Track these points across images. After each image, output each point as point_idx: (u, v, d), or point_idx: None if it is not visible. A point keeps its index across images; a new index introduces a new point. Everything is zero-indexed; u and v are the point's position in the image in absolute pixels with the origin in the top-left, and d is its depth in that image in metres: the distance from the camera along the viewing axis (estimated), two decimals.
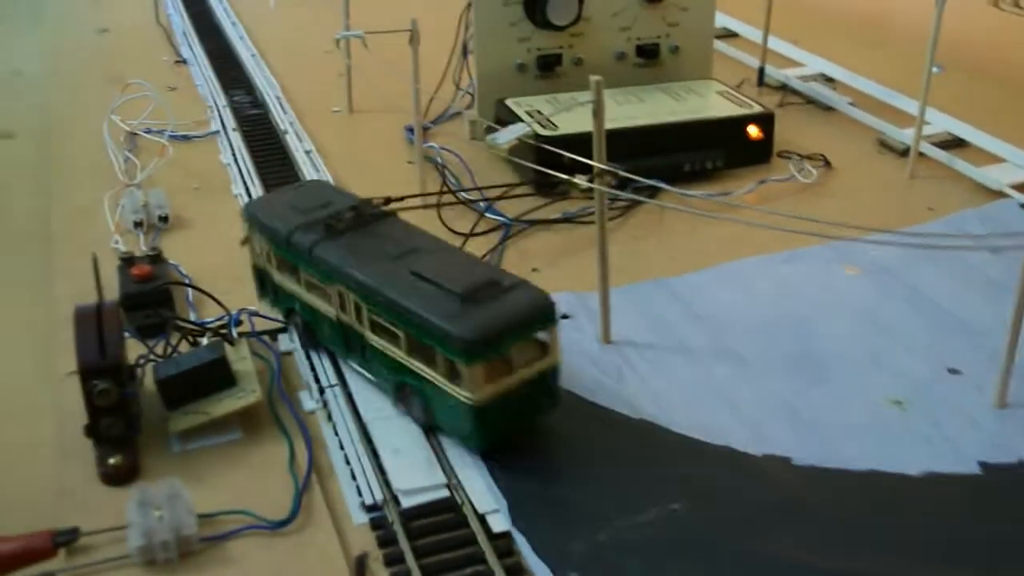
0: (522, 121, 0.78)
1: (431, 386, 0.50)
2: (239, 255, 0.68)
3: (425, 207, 0.73)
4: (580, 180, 0.49)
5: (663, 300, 0.63)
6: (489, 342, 0.47)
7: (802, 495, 0.48)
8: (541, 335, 0.50)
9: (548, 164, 0.59)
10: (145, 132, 0.84)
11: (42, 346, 0.61)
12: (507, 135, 0.49)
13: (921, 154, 0.81)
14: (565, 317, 0.61)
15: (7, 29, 1.25)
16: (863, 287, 0.65)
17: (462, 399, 0.48)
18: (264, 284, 0.59)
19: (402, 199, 0.58)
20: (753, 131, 0.81)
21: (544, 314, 0.50)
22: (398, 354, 0.51)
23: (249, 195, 0.76)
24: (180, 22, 1.18)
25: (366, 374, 0.54)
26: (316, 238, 0.55)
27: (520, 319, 0.49)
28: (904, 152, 0.83)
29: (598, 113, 0.51)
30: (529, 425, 0.51)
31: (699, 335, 0.60)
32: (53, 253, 0.70)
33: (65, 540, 0.45)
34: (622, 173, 0.50)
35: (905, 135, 0.84)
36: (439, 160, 0.80)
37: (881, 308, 0.63)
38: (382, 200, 0.57)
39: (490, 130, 0.68)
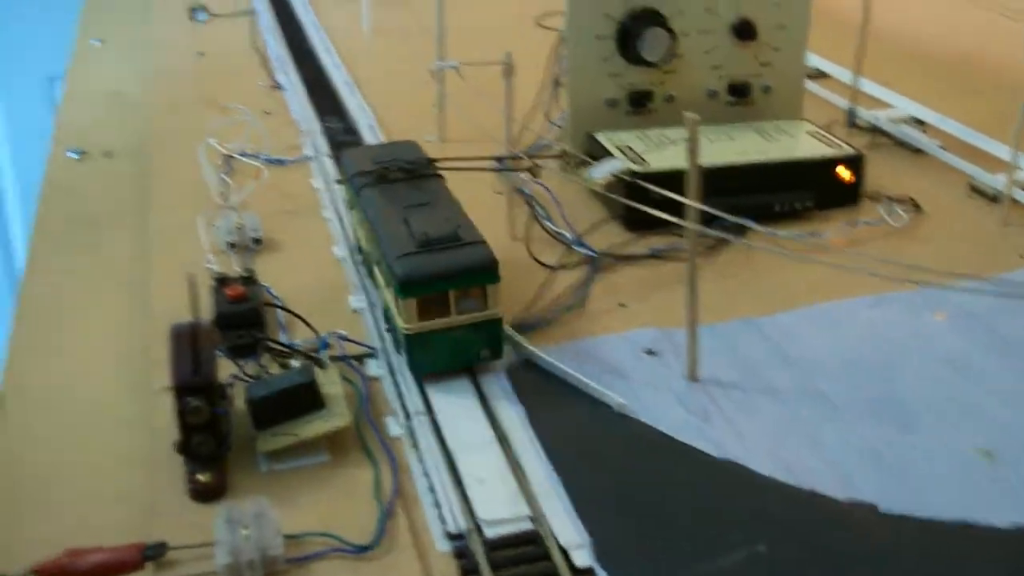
0: (612, 156, 0.79)
1: (393, 316, 0.59)
2: (329, 278, 0.69)
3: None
4: (674, 219, 0.49)
5: (750, 340, 0.63)
6: (422, 282, 0.56)
7: (888, 543, 0.48)
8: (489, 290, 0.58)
9: (638, 200, 0.59)
10: (241, 155, 0.85)
11: (136, 361, 0.62)
12: (602, 170, 0.49)
13: (1013, 200, 0.80)
14: (651, 353, 0.61)
15: (110, 51, 1.28)
16: (952, 333, 0.64)
17: (400, 328, 0.57)
18: None
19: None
20: (843, 173, 0.81)
21: (483, 271, 0.57)
22: (380, 284, 0.62)
23: (340, 219, 0.77)
24: (276, 47, 1.21)
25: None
26: (367, 182, 0.65)
27: (457, 270, 0.57)
28: (995, 198, 0.82)
29: (693, 151, 0.51)
30: (467, 367, 0.59)
31: (786, 376, 0.60)
32: (150, 271, 0.72)
33: (153, 554, 0.46)
34: (716, 213, 0.50)
35: (997, 180, 0.83)
36: (527, 191, 0.80)
37: (970, 356, 0.62)
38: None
39: (581, 164, 0.69)
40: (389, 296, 0.60)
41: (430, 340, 0.57)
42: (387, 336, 0.62)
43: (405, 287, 0.56)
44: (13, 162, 2.24)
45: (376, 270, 0.64)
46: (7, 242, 2.26)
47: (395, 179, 0.65)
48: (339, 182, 0.72)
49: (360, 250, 0.70)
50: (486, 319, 0.58)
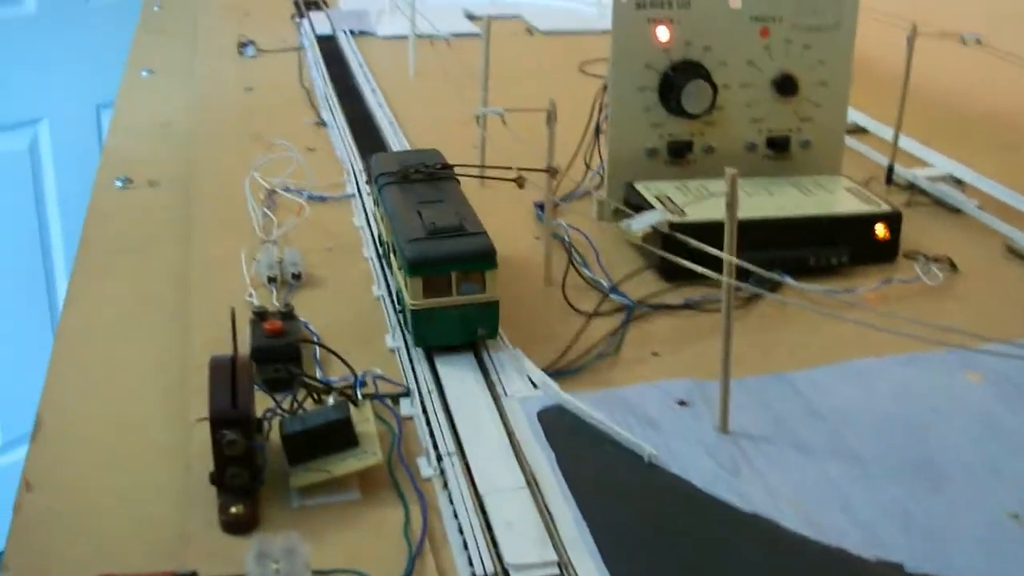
0: (650, 205, 0.80)
1: (402, 295, 0.67)
2: (367, 316, 0.70)
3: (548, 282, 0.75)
4: (709, 272, 0.49)
5: (782, 394, 0.63)
6: (428, 264, 0.64)
7: None
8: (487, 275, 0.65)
9: (675, 250, 0.59)
10: (284, 190, 0.87)
11: (174, 390, 0.63)
12: (641, 222, 0.50)
13: None
14: (683, 404, 0.61)
15: (161, 82, 1.31)
16: (985, 395, 0.64)
17: (408, 304, 0.65)
18: None
19: None
20: (880, 230, 0.81)
21: (482, 258, 0.65)
22: (394, 269, 0.70)
23: (380, 258, 0.78)
24: (322, 85, 1.22)
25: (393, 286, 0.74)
26: (390, 180, 0.73)
27: (459, 255, 0.65)
28: None
29: (732, 207, 0.52)
30: (466, 343, 0.67)
31: (817, 432, 0.60)
32: (190, 301, 0.73)
33: None
34: (753, 269, 0.50)
35: None
36: (566, 238, 0.81)
37: (1002, 418, 0.62)
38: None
39: (618, 212, 0.70)
40: (400, 278, 0.68)
41: (432, 316, 0.65)
42: (421, 376, 0.63)
43: (413, 267, 0.64)
44: (58, 189, 2.27)
45: (392, 257, 0.71)
46: (50, 267, 2.29)
47: (415, 179, 0.73)
48: (367, 182, 0.81)
49: (381, 242, 0.79)
50: (484, 301, 0.65)
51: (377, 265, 0.78)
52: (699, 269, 0.50)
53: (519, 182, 0.74)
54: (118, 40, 1.56)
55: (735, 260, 0.49)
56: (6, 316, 2.14)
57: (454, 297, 0.65)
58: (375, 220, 0.81)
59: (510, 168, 0.73)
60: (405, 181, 0.73)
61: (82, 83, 2.22)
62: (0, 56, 2.13)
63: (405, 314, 0.67)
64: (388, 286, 0.75)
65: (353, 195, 0.91)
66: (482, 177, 0.80)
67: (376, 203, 0.76)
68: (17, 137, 2.22)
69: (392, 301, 0.73)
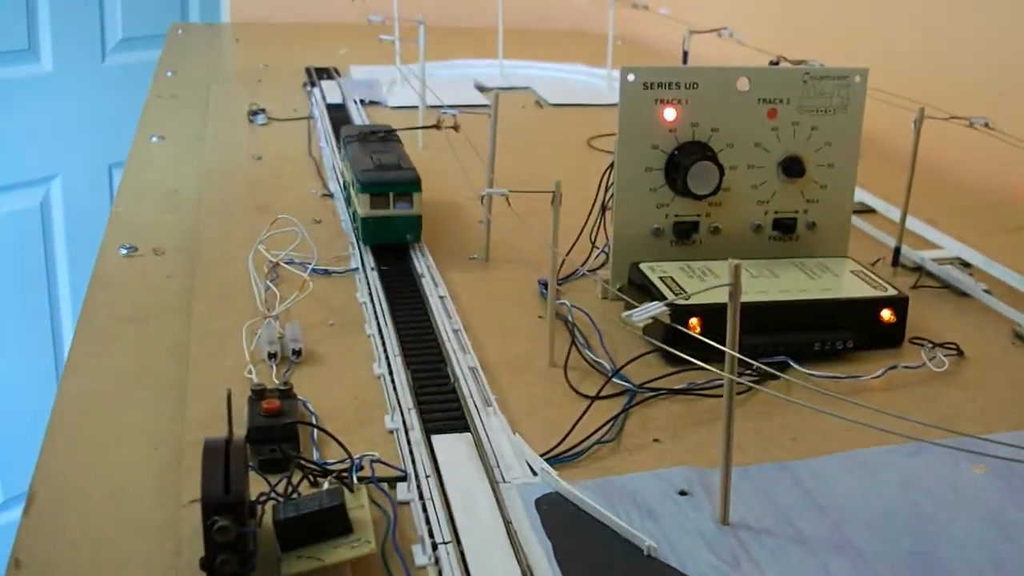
0: (655, 286, 0.79)
1: (356, 211, 0.94)
2: (366, 396, 0.70)
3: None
4: (713, 369, 0.49)
5: (783, 484, 0.62)
6: (373, 185, 0.91)
7: None
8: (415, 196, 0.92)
9: (679, 334, 0.59)
10: (287, 263, 0.86)
11: (169, 467, 0.63)
12: (642, 313, 0.49)
13: None
14: (683, 494, 0.60)
15: (169, 148, 1.31)
16: (991, 487, 0.64)
17: (359, 215, 0.92)
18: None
19: None
20: (886, 314, 0.80)
21: (410, 183, 0.92)
22: (352, 201, 0.96)
23: (381, 335, 0.78)
24: (330, 155, 1.23)
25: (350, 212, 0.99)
26: (351, 139, 1.01)
27: (394, 180, 0.92)
28: None
29: (734, 296, 0.52)
30: (399, 243, 0.94)
31: (818, 525, 0.59)
32: (189, 376, 0.72)
33: None
34: (757, 364, 0.50)
35: None
36: (570, 318, 0.81)
37: (1008, 511, 0.61)
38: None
39: (622, 293, 0.69)
40: (356, 200, 0.93)
41: (376, 223, 0.92)
42: (419, 459, 0.62)
43: (364, 187, 0.91)
44: (68, 248, 2.28)
45: (351, 192, 0.96)
46: (57, 326, 2.29)
47: (369, 139, 1.01)
48: (339, 144, 1.10)
49: (344, 186, 1.03)
50: (412, 214, 0.93)
51: (379, 342, 0.77)
52: (699, 363, 0.49)
53: (439, 125, 0.98)
54: (132, 101, 1.58)
55: (737, 355, 0.49)
56: (15, 374, 2.14)
57: (391, 210, 0.92)
58: (340, 174, 1.09)
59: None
60: (362, 139, 1.01)
61: (95, 142, 2.24)
62: (16, 113, 2.15)
63: (358, 223, 0.93)
64: (353, 219, 0.98)
65: (357, 269, 0.90)
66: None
67: (342, 158, 1.03)
68: (30, 194, 2.23)
69: (352, 222, 0.98)
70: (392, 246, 0.94)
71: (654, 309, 0.50)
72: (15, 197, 2.20)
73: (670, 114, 0.83)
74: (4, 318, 2.17)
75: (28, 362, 2.17)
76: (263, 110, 1.41)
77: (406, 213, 0.92)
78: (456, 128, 0.95)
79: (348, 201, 1.00)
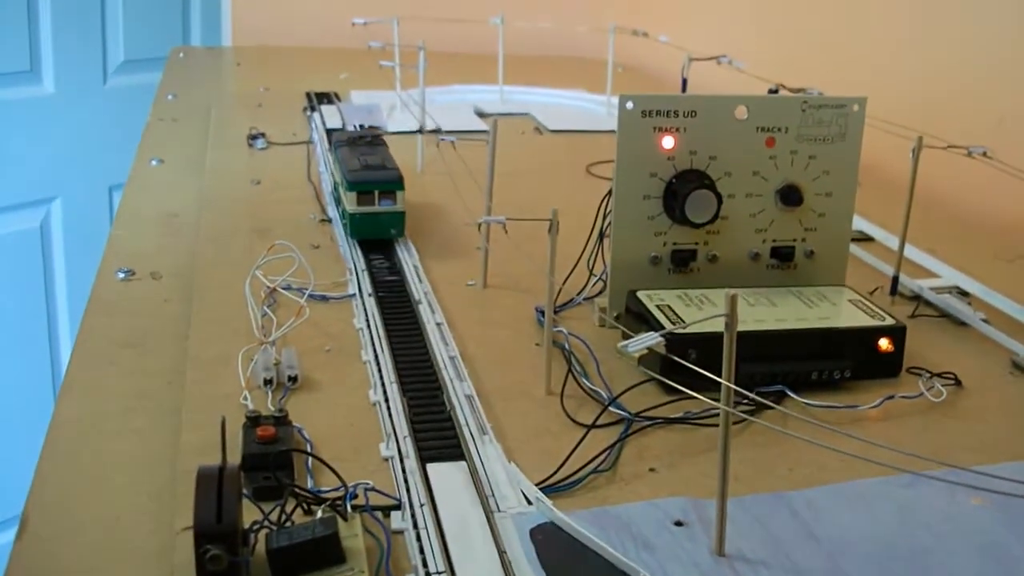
0: (652, 314, 0.79)
1: (344, 208, 1.04)
2: (361, 423, 0.70)
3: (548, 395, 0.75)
4: (710, 401, 0.49)
5: (779, 515, 0.62)
6: (360, 183, 1.00)
7: None
8: (398, 195, 1.02)
9: (676, 363, 0.59)
10: (284, 289, 0.86)
11: (163, 493, 0.62)
12: (638, 344, 0.49)
13: None
14: (679, 524, 0.60)
15: (168, 171, 1.31)
16: (989, 519, 0.63)
17: (347, 211, 1.02)
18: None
19: None
20: (884, 344, 0.80)
21: (394, 182, 1.01)
22: (341, 200, 1.06)
23: (378, 362, 0.78)
24: (329, 180, 1.23)
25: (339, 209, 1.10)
26: (341, 143, 1.11)
27: (379, 179, 1.01)
28: None
29: (731, 328, 0.52)
30: (384, 239, 1.03)
31: (814, 557, 0.58)
32: (184, 402, 0.72)
33: None
34: (752, 396, 0.50)
35: None
36: (567, 346, 0.81)
37: (1007, 543, 0.61)
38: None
39: (619, 321, 0.69)
40: (344, 198, 1.03)
41: (362, 218, 1.01)
42: (414, 488, 0.62)
43: (351, 185, 1.00)
44: (67, 270, 2.28)
45: (340, 191, 1.06)
46: (56, 348, 2.29)
47: (357, 143, 1.10)
48: (330, 147, 1.18)
49: (335, 187, 1.12)
50: (395, 211, 1.02)
51: (375, 368, 0.77)
52: (695, 395, 0.49)
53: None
54: (134, 123, 1.58)
55: (733, 387, 0.48)
56: (14, 395, 2.13)
57: (376, 207, 1.01)
58: (330, 173, 1.18)
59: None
60: (351, 143, 1.10)
61: (96, 164, 2.25)
62: (17, 134, 2.15)
63: (346, 220, 1.03)
64: (342, 216, 1.07)
65: (354, 295, 0.90)
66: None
67: (333, 160, 1.12)
68: (30, 216, 2.24)
69: (344, 228, 1.06)
70: (379, 242, 1.03)
71: (650, 340, 0.50)
72: (15, 218, 2.20)
73: (668, 142, 0.83)
74: (2, 340, 2.17)
75: (26, 384, 2.17)
76: (263, 134, 1.42)
77: (390, 210, 1.02)
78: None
79: (338, 201, 1.10)
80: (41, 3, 2.16)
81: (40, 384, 2.17)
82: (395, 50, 1.50)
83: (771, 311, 0.82)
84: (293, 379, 0.74)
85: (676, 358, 0.53)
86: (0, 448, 2.16)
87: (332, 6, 2.21)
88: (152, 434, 0.70)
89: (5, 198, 2.16)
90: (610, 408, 0.73)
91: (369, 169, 1.02)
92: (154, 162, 1.34)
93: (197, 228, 1.08)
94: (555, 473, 0.65)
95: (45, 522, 0.60)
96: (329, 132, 1.34)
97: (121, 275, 0.96)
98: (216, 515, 0.50)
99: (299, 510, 0.58)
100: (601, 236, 0.88)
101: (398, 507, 0.60)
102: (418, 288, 0.92)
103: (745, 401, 0.72)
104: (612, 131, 0.83)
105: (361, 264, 0.97)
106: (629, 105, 0.82)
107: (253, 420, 0.66)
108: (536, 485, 0.63)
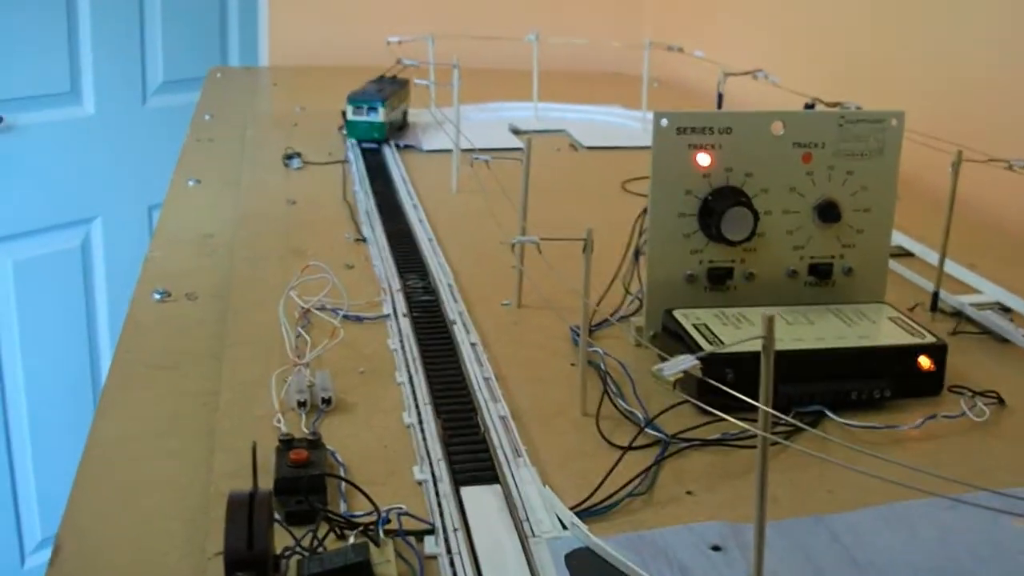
0: (688, 334, 0.78)
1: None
2: (395, 446, 0.69)
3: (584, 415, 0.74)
4: (745, 424, 0.48)
5: (820, 540, 0.61)
6: (353, 99, 1.48)
7: None
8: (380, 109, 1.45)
9: (710, 386, 0.58)
10: (319, 310, 0.86)
11: (196, 518, 0.62)
12: (673, 368, 0.49)
13: None
14: (716, 549, 0.59)
15: (205, 192, 1.32)
16: None
17: (348, 118, 1.48)
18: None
19: None
20: (924, 362, 0.79)
21: (376, 101, 1.46)
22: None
23: (412, 383, 0.77)
24: (364, 199, 1.23)
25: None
26: (374, 80, 1.53)
27: (366, 97, 1.48)
28: None
29: (767, 350, 0.51)
30: (371, 140, 1.49)
31: None
32: (217, 424, 0.72)
33: None
34: (789, 420, 0.49)
35: None
36: (602, 366, 0.80)
37: None
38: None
39: (655, 340, 0.68)
40: (348, 110, 1.48)
41: (355, 124, 1.48)
42: (447, 512, 0.61)
43: (350, 100, 1.47)
44: (108, 289, 2.30)
45: (348, 108, 1.48)
46: (96, 367, 2.31)
47: (385, 80, 1.52)
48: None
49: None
50: (376, 121, 1.47)
51: (409, 390, 0.77)
52: (731, 419, 0.49)
53: None
54: (173, 143, 1.59)
55: (771, 411, 0.48)
56: (56, 416, 2.15)
57: (365, 117, 1.47)
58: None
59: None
60: (379, 80, 1.52)
61: (136, 184, 2.27)
62: (59, 155, 2.18)
63: (347, 126, 1.50)
64: (347, 125, 1.51)
65: (389, 316, 0.90)
66: None
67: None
68: (71, 236, 2.26)
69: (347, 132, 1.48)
70: (414, 262, 1.03)
71: (686, 363, 0.49)
72: (57, 238, 2.22)
73: (704, 159, 0.83)
74: (45, 359, 2.19)
75: (69, 405, 2.19)
76: (298, 154, 1.42)
77: (373, 120, 1.46)
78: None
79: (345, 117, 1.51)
80: (82, 25, 2.18)
81: (82, 405, 2.19)
82: (430, 68, 1.50)
83: (809, 329, 0.81)
84: (327, 401, 0.74)
85: (712, 381, 0.52)
86: (44, 469, 2.18)
87: (368, 25, 2.22)
88: (186, 457, 0.70)
89: (47, 218, 2.18)
90: (646, 430, 0.72)
91: (366, 92, 1.48)
92: (191, 182, 1.34)
93: (232, 249, 1.08)
94: (590, 496, 0.64)
95: (78, 547, 0.60)
96: (371, 169, 1.43)
97: (157, 296, 0.96)
98: (247, 542, 0.50)
99: (332, 535, 0.58)
100: (637, 254, 0.87)
101: (431, 532, 0.60)
102: (452, 308, 0.91)
103: (784, 422, 0.71)
104: (648, 147, 0.82)
105: (396, 284, 0.96)
106: (664, 122, 0.82)
107: (286, 443, 0.66)
108: (571, 509, 0.62)
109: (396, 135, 1.55)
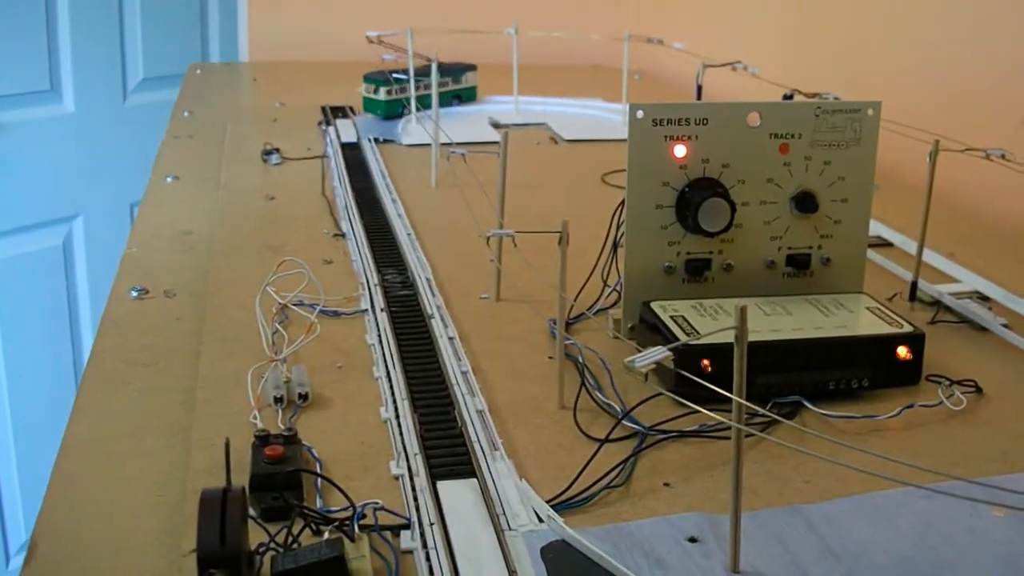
0: (665, 326, 0.78)
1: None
2: (372, 441, 0.69)
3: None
4: (719, 417, 0.48)
5: (796, 530, 0.61)
6: (368, 78, 1.63)
7: None
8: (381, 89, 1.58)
9: (687, 378, 0.58)
10: (296, 305, 0.86)
11: (173, 515, 0.62)
12: (644, 359, 0.48)
13: None
14: (693, 540, 0.59)
15: (183, 188, 1.31)
16: (1010, 530, 0.62)
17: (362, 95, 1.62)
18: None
19: None
20: (903, 352, 0.79)
21: (381, 82, 1.60)
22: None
23: (389, 378, 0.77)
24: (343, 194, 1.22)
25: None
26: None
27: (375, 79, 1.62)
28: None
29: (740, 341, 0.51)
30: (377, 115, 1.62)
31: (832, 573, 0.57)
32: (193, 421, 0.72)
33: None
34: (764, 412, 0.49)
35: None
36: (580, 359, 0.80)
37: None
38: None
39: (633, 332, 0.68)
40: (363, 88, 1.62)
41: (368, 101, 1.64)
42: (423, 506, 0.61)
43: (365, 79, 1.62)
44: (90, 287, 2.29)
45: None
46: (79, 364, 2.30)
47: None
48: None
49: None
50: (379, 99, 1.62)
51: (387, 386, 0.76)
52: (707, 411, 0.48)
53: None
54: (153, 140, 1.58)
55: (744, 403, 0.47)
56: (37, 415, 2.14)
57: (372, 95, 1.62)
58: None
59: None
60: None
61: (117, 182, 2.26)
62: (39, 153, 2.17)
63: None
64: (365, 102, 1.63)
65: (366, 310, 0.90)
66: None
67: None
68: (52, 234, 2.25)
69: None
70: (392, 256, 1.03)
71: (658, 355, 0.49)
72: (38, 236, 2.21)
73: (680, 151, 0.82)
74: (27, 358, 2.18)
75: (51, 403, 2.18)
76: (277, 149, 1.41)
77: (376, 97, 1.62)
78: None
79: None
80: (60, 23, 2.17)
81: (65, 403, 2.17)
82: (409, 62, 1.50)
83: (787, 320, 0.81)
84: (304, 396, 0.74)
85: (686, 372, 0.52)
86: (28, 469, 2.17)
87: (347, 20, 2.22)
88: (163, 454, 0.70)
89: (28, 217, 2.17)
90: (624, 422, 0.72)
91: (379, 73, 1.61)
92: (169, 179, 1.34)
93: (211, 245, 1.07)
94: (567, 489, 0.64)
95: (53, 547, 0.60)
96: (350, 165, 1.39)
97: (134, 293, 0.95)
98: (219, 538, 0.50)
99: (307, 531, 0.57)
100: (615, 246, 0.87)
101: (407, 526, 0.60)
102: (431, 302, 0.91)
103: (761, 414, 0.71)
104: (627, 140, 0.82)
105: (374, 279, 0.96)
106: (639, 114, 0.81)
107: (262, 439, 0.65)
108: (548, 502, 0.62)
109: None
